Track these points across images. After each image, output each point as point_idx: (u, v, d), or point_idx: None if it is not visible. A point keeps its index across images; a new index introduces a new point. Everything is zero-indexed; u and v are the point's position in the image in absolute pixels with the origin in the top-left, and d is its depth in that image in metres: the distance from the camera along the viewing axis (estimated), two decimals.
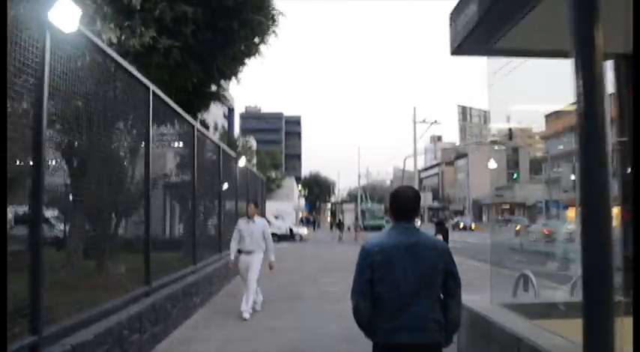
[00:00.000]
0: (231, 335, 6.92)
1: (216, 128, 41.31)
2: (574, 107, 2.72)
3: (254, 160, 47.15)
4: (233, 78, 17.49)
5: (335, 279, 12.49)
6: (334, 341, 6.55)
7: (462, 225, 62.49)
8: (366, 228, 49.60)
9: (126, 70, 5.81)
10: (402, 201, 3.00)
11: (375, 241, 2.96)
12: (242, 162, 13.96)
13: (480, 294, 10.36)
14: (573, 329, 4.62)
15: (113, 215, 6.56)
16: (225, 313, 8.16)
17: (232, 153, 13.51)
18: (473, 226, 61.56)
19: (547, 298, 6.42)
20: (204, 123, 43.81)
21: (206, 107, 17.33)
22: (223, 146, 11.58)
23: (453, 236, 36.58)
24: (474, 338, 5.22)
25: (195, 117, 18.02)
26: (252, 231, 8.16)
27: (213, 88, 17.69)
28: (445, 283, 2.89)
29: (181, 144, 9.11)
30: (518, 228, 32.14)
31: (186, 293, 7.78)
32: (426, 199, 30.80)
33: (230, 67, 14.59)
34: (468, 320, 5.38)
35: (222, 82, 18.56)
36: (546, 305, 5.53)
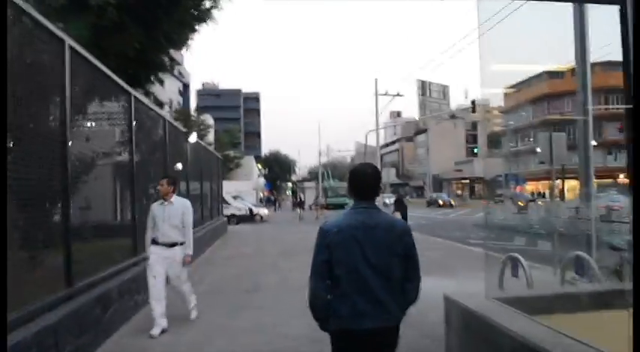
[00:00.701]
0: (177, 340, 5.85)
1: (170, 106, 39.57)
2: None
3: (210, 137, 45.60)
4: (183, 47, 16.17)
5: (297, 264, 11.51)
6: (298, 343, 5.58)
7: (440, 202, 55.22)
8: (328, 207, 48.59)
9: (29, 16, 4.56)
10: (360, 180, 2.89)
11: (334, 221, 2.85)
12: (193, 138, 12.72)
13: (455, 278, 9.57)
14: (594, 326, 3.77)
15: (47, 199, 5.28)
16: (171, 312, 7.06)
17: (182, 128, 12.25)
18: (452, 202, 55.34)
19: (541, 287, 5.60)
20: (156, 100, 41.94)
21: (156, 79, 15.98)
22: (169, 119, 10.29)
23: (426, 214, 36.14)
24: (469, 343, 4.31)
25: (144, 90, 16.64)
26: (168, 217, 6.29)
27: (166, 60, 16.33)
28: (404, 266, 2.81)
29: (116, 116, 7.83)
30: (521, 204, 31.07)
31: (125, 291, 6.65)
32: (389, 175, 30.15)
33: (178, 33, 13.27)
34: (459, 320, 4.47)
35: (172, 51, 17.17)
36: (549, 298, 4.66)
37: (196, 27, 15.58)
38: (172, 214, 6.33)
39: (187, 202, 6.66)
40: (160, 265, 6.24)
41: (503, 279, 6.16)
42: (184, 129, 12.64)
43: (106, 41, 11.16)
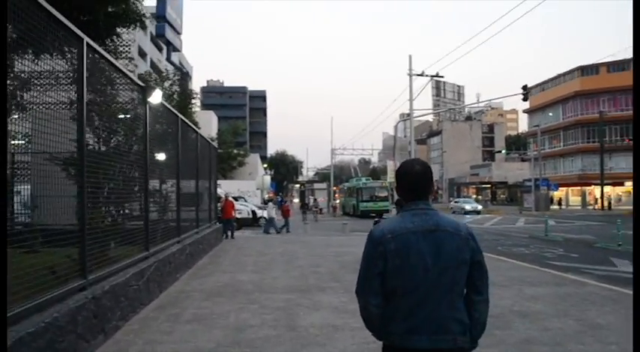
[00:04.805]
0: None
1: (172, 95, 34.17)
2: None
3: (210, 130, 40.62)
4: None
5: (328, 315, 6.42)
6: None
7: (467, 209, 43.32)
8: (363, 215, 38.09)
9: None
10: (410, 177, 2.40)
11: (387, 226, 2.36)
12: (157, 97, 7.66)
13: None
14: None
15: None
16: None
17: (132, 76, 7.13)
18: (479, 208, 44.77)
19: None
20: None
21: (120, 24, 11.55)
22: (95, 44, 5.15)
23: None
24: None
25: (104, 44, 12.00)
26: None
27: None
28: (471, 275, 2.34)
29: None
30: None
31: None
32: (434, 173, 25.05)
33: None
34: None
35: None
36: None
37: None
38: None
39: None
40: None
41: None
42: (139, 82, 7.53)
43: None
